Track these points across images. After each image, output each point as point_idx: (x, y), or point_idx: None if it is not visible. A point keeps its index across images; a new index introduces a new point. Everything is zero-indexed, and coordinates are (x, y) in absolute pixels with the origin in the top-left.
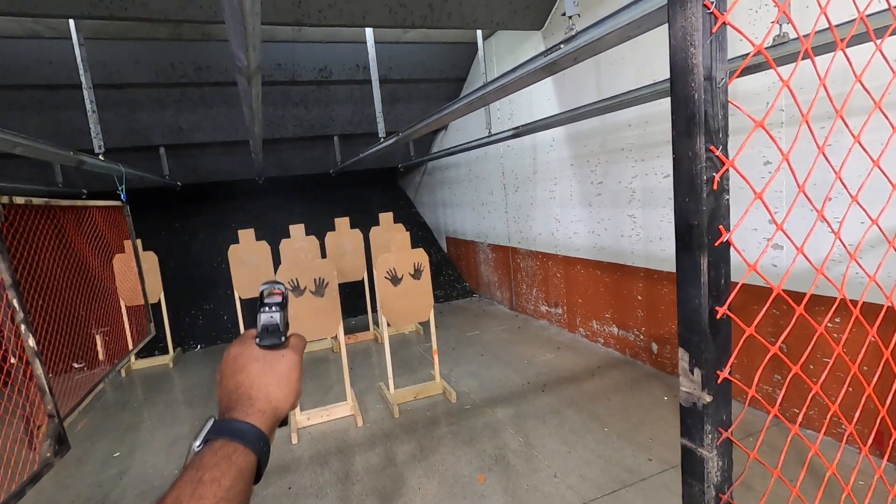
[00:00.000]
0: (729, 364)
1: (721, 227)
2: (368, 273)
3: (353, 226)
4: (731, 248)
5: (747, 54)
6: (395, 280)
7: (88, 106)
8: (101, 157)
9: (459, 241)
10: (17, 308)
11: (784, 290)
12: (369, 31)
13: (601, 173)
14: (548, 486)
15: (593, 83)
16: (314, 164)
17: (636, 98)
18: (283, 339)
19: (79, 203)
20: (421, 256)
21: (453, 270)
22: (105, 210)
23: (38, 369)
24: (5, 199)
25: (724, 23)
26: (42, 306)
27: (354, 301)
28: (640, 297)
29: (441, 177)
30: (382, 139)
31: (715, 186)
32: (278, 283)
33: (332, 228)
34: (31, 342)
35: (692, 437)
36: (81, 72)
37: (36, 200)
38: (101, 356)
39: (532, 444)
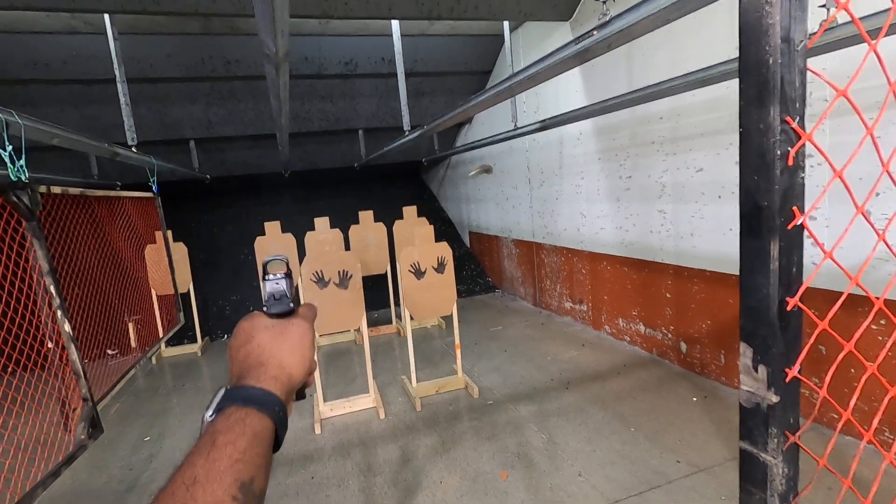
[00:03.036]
0: (799, 361)
1: (795, 208)
2: (391, 266)
3: (376, 219)
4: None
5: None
6: (418, 273)
7: (122, 99)
8: (134, 149)
9: (483, 235)
10: (54, 294)
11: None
12: (395, 24)
13: (630, 167)
14: (571, 486)
15: (624, 74)
16: (339, 158)
17: (670, 89)
18: (291, 305)
19: (112, 194)
20: (444, 250)
21: (476, 265)
22: (137, 201)
23: (74, 354)
24: (43, 188)
25: None
26: (77, 293)
27: (377, 294)
28: (668, 295)
29: (465, 171)
30: (407, 132)
31: (790, 162)
32: (281, 256)
33: (357, 221)
34: (67, 328)
35: (754, 441)
36: (115, 66)
37: (72, 190)
38: (133, 343)
39: (555, 441)
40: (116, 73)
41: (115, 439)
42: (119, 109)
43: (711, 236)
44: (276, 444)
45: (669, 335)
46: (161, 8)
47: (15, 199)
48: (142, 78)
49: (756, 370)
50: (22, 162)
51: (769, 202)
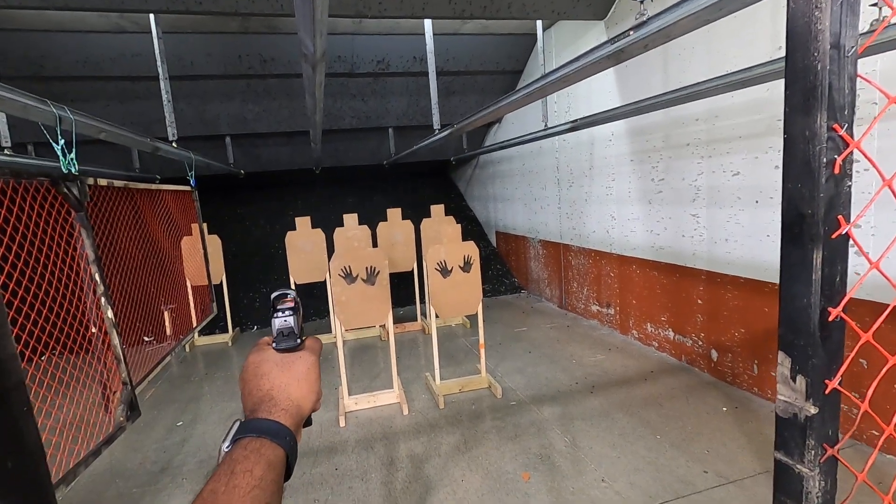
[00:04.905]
0: (840, 373)
1: (840, 217)
2: (418, 264)
3: (404, 217)
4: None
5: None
6: (444, 272)
7: (164, 96)
8: (174, 144)
9: (510, 235)
10: (99, 282)
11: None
12: (428, 23)
13: (663, 170)
14: (594, 490)
15: (659, 74)
16: (369, 155)
17: (707, 90)
18: (298, 341)
19: (153, 187)
20: (471, 249)
21: (502, 265)
22: (176, 194)
23: (115, 339)
24: (91, 181)
25: None
26: (118, 282)
27: (404, 291)
28: (700, 302)
29: (493, 170)
30: (437, 131)
31: (836, 170)
32: (289, 290)
33: (385, 218)
34: (110, 314)
35: (789, 452)
36: (159, 64)
37: (117, 183)
38: (168, 331)
39: (579, 445)
40: (160, 70)
41: (149, 423)
42: (160, 105)
43: (748, 242)
44: (288, 472)
45: (700, 342)
46: (203, 8)
47: (66, 190)
48: (183, 75)
49: (794, 380)
50: (72, 155)
51: (813, 210)
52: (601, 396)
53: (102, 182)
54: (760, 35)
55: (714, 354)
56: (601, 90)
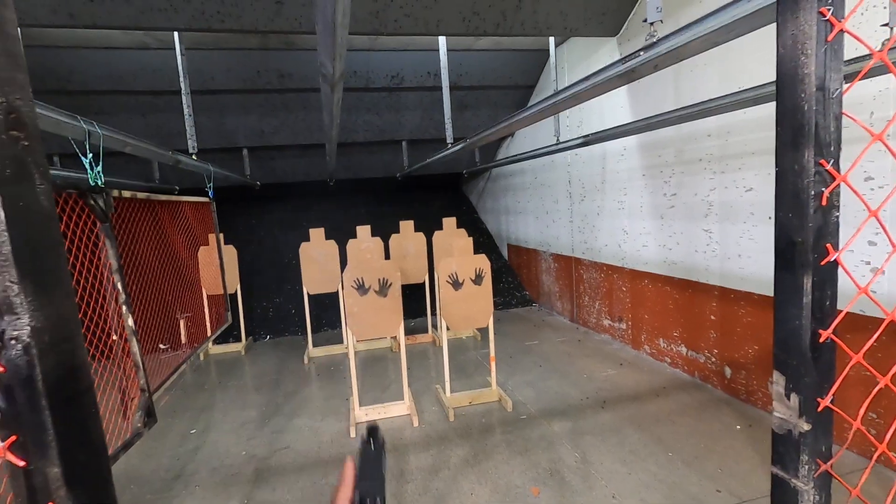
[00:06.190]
0: (831, 392)
1: (829, 245)
2: (430, 276)
3: (416, 229)
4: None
5: (850, 60)
6: (456, 284)
7: (186, 110)
8: (194, 156)
9: (521, 248)
10: (121, 291)
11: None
12: (442, 39)
13: (675, 185)
14: None
15: (671, 90)
16: (382, 168)
17: (719, 107)
18: None
19: (174, 198)
20: (482, 262)
21: (513, 278)
22: (195, 205)
23: (135, 347)
24: (116, 193)
25: (841, 30)
26: (137, 290)
27: (415, 303)
28: (713, 317)
29: (505, 184)
30: (450, 145)
31: (824, 202)
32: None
33: (397, 230)
34: (130, 322)
35: (785, 467)
36: (181, 79)
37: (140, 195)
38: (183, 339)
39: (589, 461)
40: (182, 85)
41: (164, 430)
42: (180, 118)
43: (761, 258)
44: None
45: (713, 359)
46: (225, 26)
47: (92, 202)
48: (203, 90)
49: (788, 398)
50: (99, 168)
51: (803, 239)
52: (612, 412)
53: (126, 194)
54: (773, 52)
55: (728, 371)
56: (613, 105)
